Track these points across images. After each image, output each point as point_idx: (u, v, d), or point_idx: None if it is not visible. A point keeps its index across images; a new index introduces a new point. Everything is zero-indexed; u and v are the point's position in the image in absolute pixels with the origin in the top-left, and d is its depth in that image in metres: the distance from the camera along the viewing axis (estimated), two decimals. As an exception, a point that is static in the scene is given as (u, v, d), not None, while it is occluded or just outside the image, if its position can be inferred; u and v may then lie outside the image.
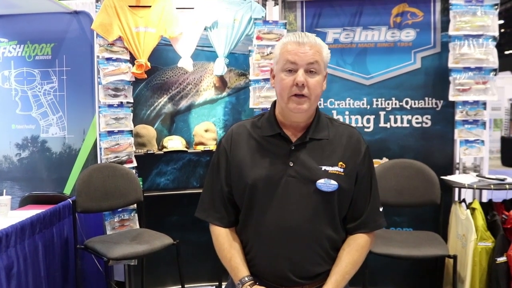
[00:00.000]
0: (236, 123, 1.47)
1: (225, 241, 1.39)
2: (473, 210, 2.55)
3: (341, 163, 1.34)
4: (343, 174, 1.33)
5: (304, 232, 1.31)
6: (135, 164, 2.86)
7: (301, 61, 1.28)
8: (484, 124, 2.76)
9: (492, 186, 2.54)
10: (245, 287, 1.31)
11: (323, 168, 1.32)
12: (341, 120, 2.98)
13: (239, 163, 1.37)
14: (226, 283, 1.51)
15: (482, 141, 2.76)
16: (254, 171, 1.34)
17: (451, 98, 2.76)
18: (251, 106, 2.87)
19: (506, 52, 11.40)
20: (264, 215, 1.32)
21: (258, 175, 1.33)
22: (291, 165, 1.32)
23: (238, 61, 3.10)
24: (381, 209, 1.43)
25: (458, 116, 2.77)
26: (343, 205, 1.36)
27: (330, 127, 1.39)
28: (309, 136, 1.35)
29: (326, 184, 1.30)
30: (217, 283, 3.02)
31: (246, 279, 1.32)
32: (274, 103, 1.42)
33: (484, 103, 2.75)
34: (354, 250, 1.36)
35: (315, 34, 1.34)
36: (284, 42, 1.33)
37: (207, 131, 2.99)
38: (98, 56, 2.75)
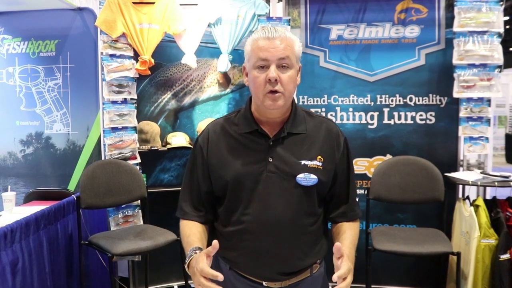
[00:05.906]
0: (212, 121, 1.46)
1: (190, 224, 1.38)
2: (477, 207, 2.55)
3: (319, 157, 1.33)
4: (321, 168, 1.33)
5: (287, 227, 1.31)
6: (139, 160, 2.86)
7: (272, 56, 1.26)
8: (488, 121, 2.75)
9: (496, 183, 2.53)
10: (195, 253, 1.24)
11: (303, 162, 1.32)
12: (345, 117, 3.00)
13: (218, 161, 1.35)
14: None
15: (487, 138, 2.75)
16: (233, 168, 1.32)
17: (455, 95, 2.75)
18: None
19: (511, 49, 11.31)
20: (246, 211, 1.31)
21: (237, 172, 1.32)
22: (271, 160, 1.31)
23: (242, 58, 3.05)
24: (357, 199, 1.46)
25: (462, 113, 2.76)
26: (321, 197, 1.38)
27: (307, 121, 1.39)
28: (287, 130, 1.34)
29: (306, 179, 1.30)
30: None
31: (196, 246, 1.27)
32: (249, 99, 1.40)
33: (489, 100, 2.74)
34: (351, 226, 1.39)
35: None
36: (255, 38, 1.30)
37: (210, 127, 2.99)
38: (102, 53, 2.76)
